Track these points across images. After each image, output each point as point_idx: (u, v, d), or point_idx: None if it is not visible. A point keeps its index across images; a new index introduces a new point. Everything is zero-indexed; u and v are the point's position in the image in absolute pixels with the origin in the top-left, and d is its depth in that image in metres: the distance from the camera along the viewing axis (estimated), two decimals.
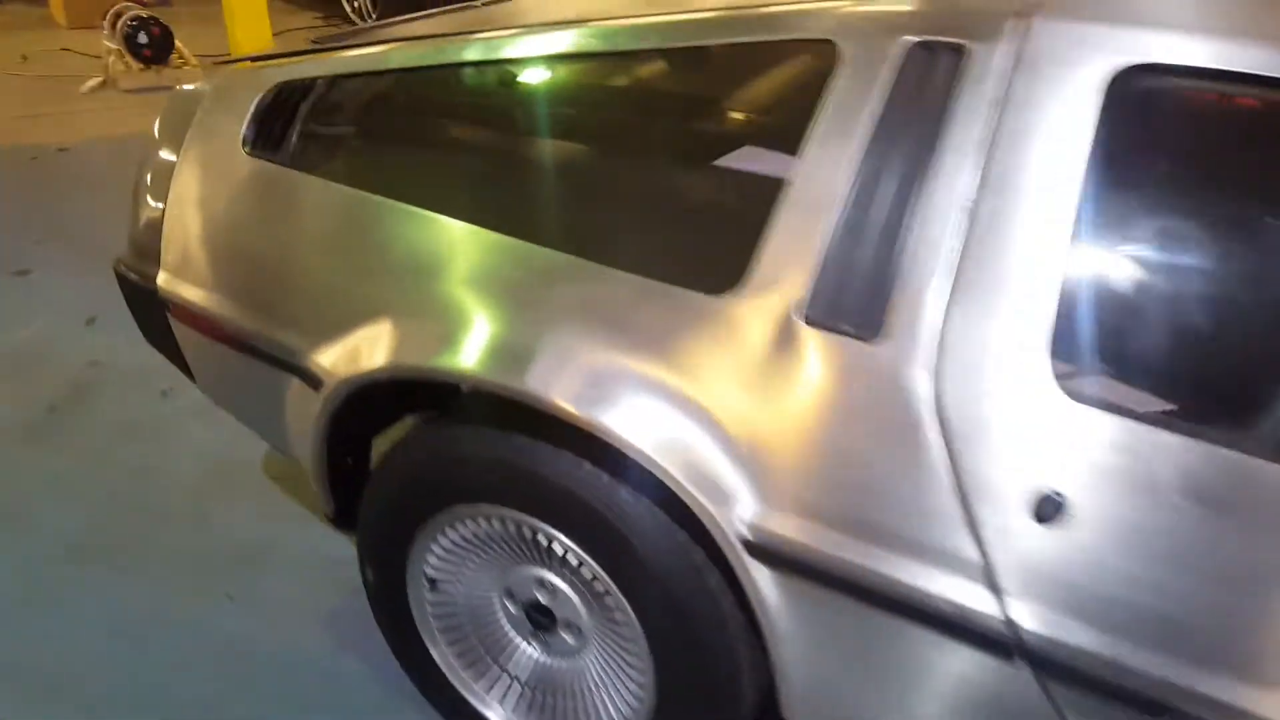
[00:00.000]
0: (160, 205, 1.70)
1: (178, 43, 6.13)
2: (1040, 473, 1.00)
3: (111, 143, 4.98)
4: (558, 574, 1.45)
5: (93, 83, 5.97)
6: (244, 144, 1.61)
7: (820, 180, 1.13)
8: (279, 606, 2.02)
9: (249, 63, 1.76)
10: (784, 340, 1.12)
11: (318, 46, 1.70)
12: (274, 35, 5.56)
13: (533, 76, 1.46)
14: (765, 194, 1.17)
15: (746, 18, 1.27)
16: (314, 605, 2.03)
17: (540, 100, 1.46)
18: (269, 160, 1.58)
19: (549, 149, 1.44)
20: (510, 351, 1.28)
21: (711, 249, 1.22)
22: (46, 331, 3.17)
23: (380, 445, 1.67)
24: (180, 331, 1.72)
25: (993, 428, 1.02)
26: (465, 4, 2.12)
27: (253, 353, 1.57)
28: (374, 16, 7.59)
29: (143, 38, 5.92)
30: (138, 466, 2.48)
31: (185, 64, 6.14)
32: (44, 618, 2.00)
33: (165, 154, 1.73)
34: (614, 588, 1.35)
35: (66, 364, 2.97)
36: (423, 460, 1.43)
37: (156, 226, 1.70)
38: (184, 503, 2.35)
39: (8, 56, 6.61)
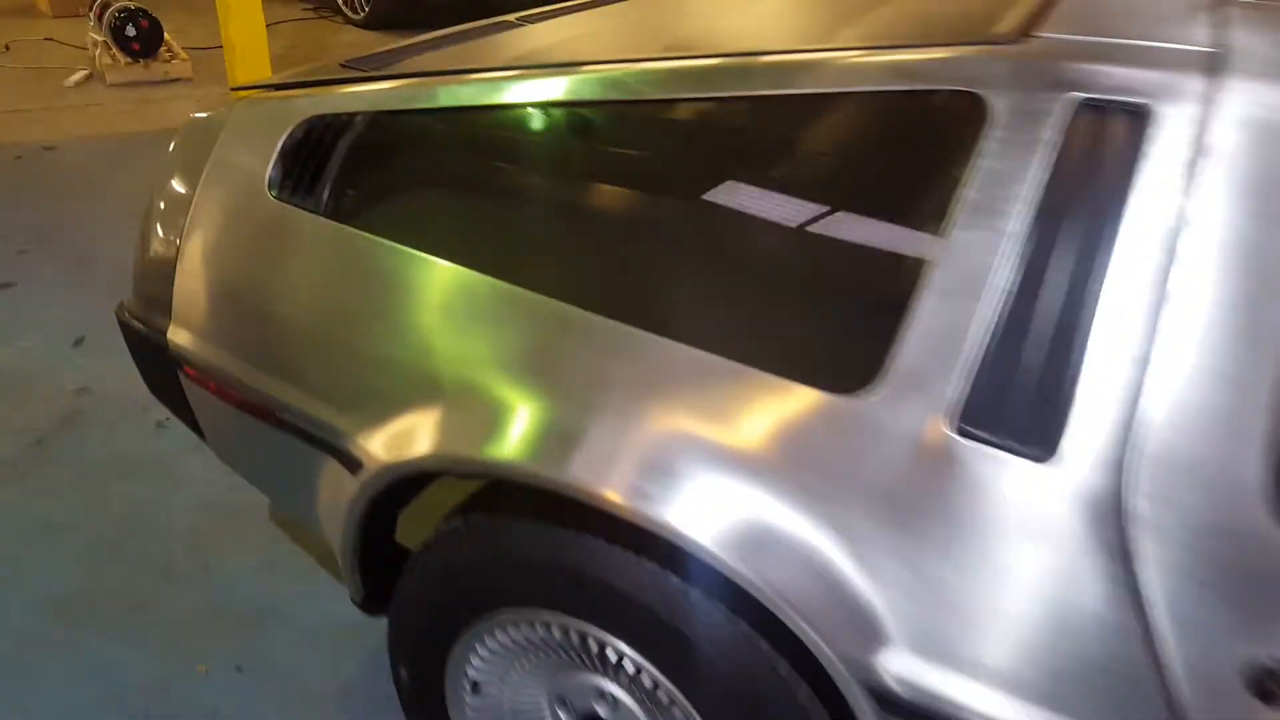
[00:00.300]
0: (172, 248, 1.52)
1: (167, 35, 5.91)
2: (1266, 640, 0.84)
3: (99, 142, 4.76)
4: (621, 686, 1.28)
5: (78, 76, 5.74)
6: (269, 186, 1.43)
7: (973, 261, 0.96)
8: (291, 679, 1.85)
9: (274, 91, 1.58)
10: (929, 453, 0.95)
11: (354, 74, 1.51)
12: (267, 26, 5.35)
13: (612, 122, 1.28)
14: (898, 272, 1.01)
15: (869, 64, 1.10)
16: (328, 678, 1.85)
17: (622, 151, 1.28)
18: (299, 207, 1.40)
19: (631, 208, 1.26)
20: (573, 443, 1.11)
21: (833, 336, 1.06)
22: (31, 353, 2.97)
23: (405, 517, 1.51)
24: (193, 392, 1.54)
25: (1199, 577, 0.86)
26: (499, 20, 1.95)
27: (278, 424, 1.39)
28: (365, 11, 7.38)
29: (131, 30, 5.69)
30: (133, 511, 2.30)
31: (174, 58, 5.92)
32: (33, 688, 1.82)
33: (178, 188, 1.55)
34: (693, 712, 1.18)
35: (53, 390, 2.77)
36: (470, 560, 1.26)
37: (168, 273, 1.52)
38: (185, 553, 2.17)
39: None
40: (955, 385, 0.94)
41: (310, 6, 8.08)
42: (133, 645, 1.92)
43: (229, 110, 1.59)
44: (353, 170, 1.40)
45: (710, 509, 1.03)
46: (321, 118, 1.44)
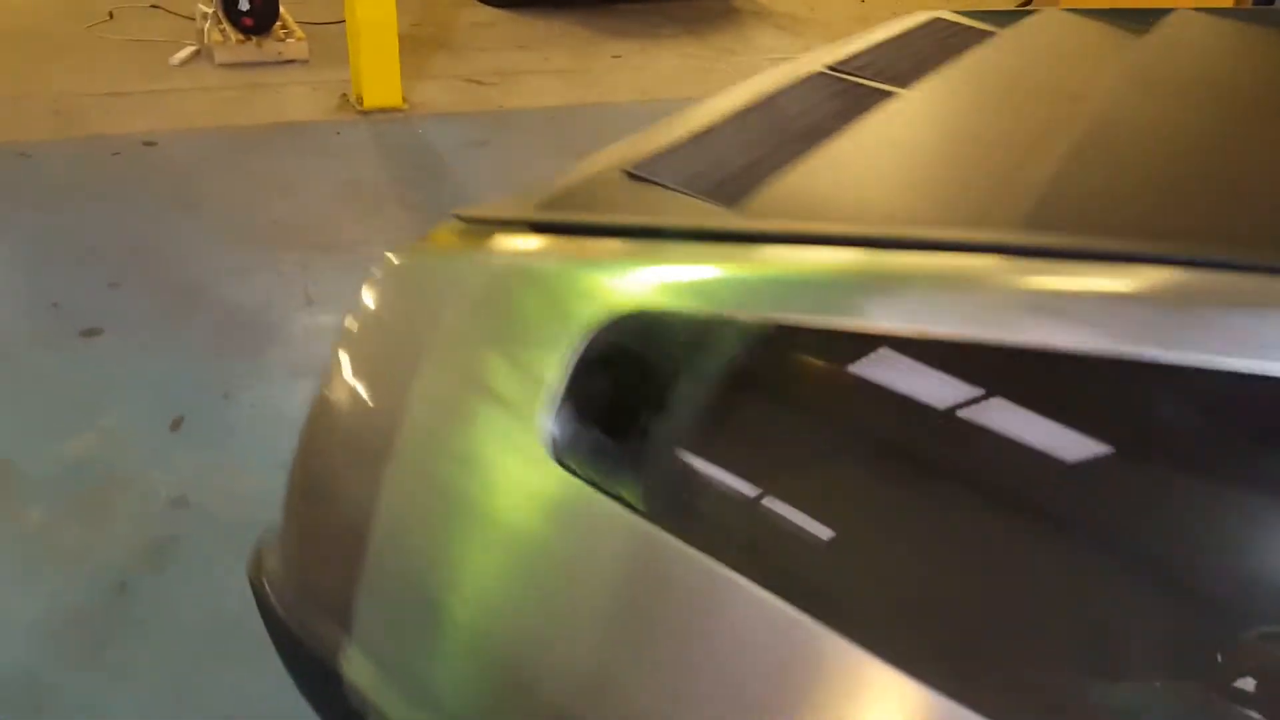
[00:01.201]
0: (355, 518, 0.86)
1: (282, 9, 5.32)
2: None
3: (204, 137, 4.17)
4: None
5: (184, 53, 5.16)
6: (547, 442, 0.75)
7: None
8: None
9: (530, 231, 0.90)
10: None
11: (693, 215, 0.82)
12: None
13: None
14: None
15: None
16: None
17: None
18: (604, 491, 0.72)
19: None
20: None
21: None
22: (118, 437, 2.36)
23: None
24: None
25: None
26: (876, 89, 1.25)
27: None
28: None
29: (244, 4, 5.10)
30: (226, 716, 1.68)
31: (289, 36, 5.32)
32: None
33: (366, 408, 0.89)
34: None
35: (143, 500, 2.16)
36: None
37: (346, 559, 0.86)
38: None
39: (95, 11, 5.82)
40: None
41: None
42: None
43: (451, 260, 0.92)
44: (716, 431, 0.72)
45: None
46: (649, 317, 0.76)
